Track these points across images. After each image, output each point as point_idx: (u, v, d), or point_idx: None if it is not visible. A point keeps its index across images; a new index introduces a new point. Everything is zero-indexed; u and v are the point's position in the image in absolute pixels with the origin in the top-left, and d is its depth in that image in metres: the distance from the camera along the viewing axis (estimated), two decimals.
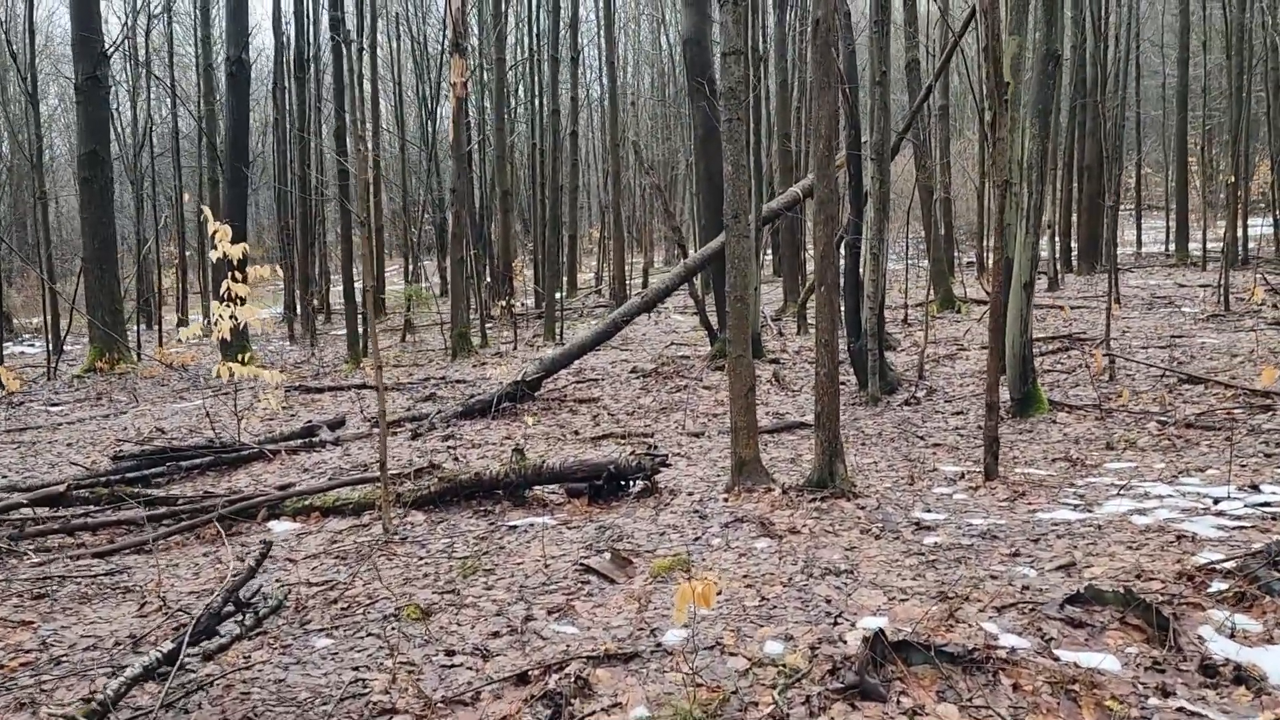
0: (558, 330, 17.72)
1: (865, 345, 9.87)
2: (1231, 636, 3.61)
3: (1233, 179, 17.19)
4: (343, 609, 4.73)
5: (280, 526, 6.62)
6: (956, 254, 25.27)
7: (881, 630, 3.65)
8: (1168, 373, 9.53)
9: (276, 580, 5.36)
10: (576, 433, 9.05)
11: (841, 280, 10.27)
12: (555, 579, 4.93)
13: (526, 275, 28.50)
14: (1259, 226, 25.89)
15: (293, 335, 22.03)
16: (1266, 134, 23.62)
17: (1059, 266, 21.38)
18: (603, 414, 10.14)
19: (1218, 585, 3.99)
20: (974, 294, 18.37)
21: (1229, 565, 4.10)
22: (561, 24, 24.61)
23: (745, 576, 4.71)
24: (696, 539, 5.37)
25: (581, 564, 5.06)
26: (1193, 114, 26.76)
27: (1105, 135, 18.04)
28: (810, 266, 11.75)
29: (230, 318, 9.48)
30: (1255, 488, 5.50)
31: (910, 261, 22.86)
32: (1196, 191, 28.77)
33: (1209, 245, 23.31)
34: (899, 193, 24.62)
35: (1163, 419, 7.83)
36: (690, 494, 6.27)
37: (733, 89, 5.64)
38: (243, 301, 9.51)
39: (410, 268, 27.03)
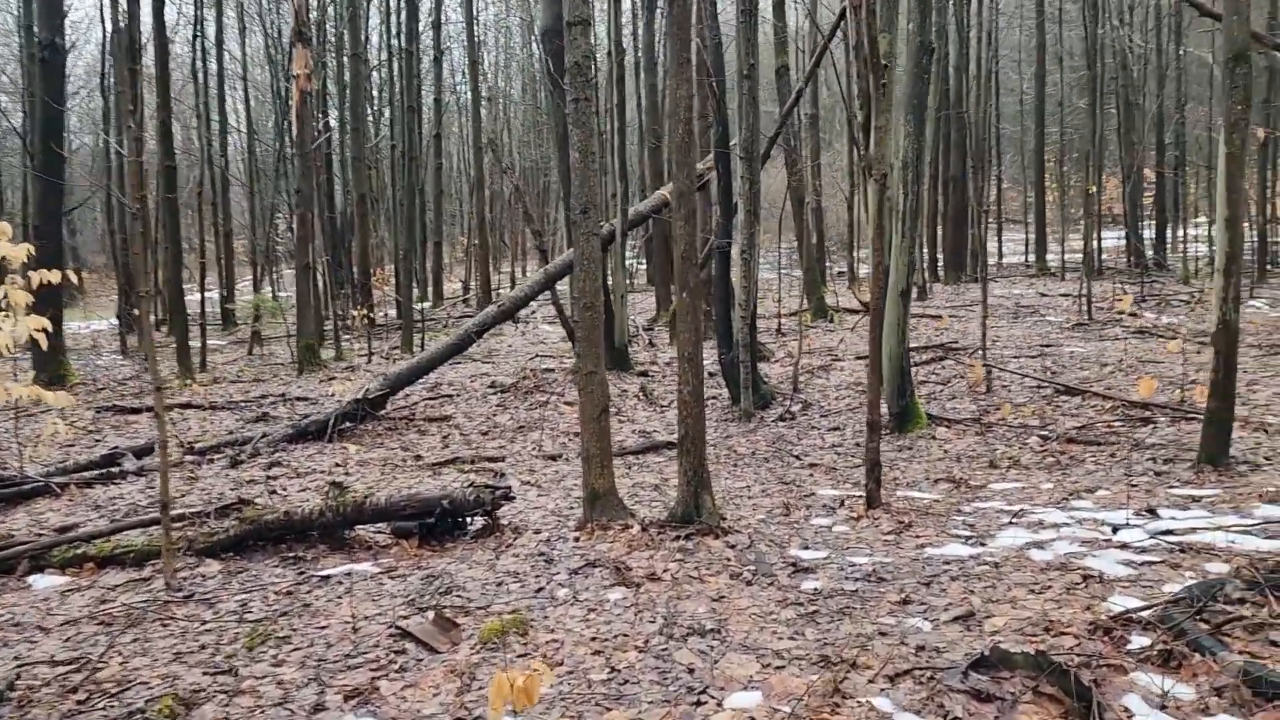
0: (417, 341, 16.60)
1: (737, 357, 9.23)
2: (1163, 708, 3.02)
3: (1093, 189, 17.51)
4: (80, 701, 3.71)
5: (44, 581, 5.46)
6: (828, 263, 25.27)
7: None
8: (1044, 383, 9.23)
9: (14, 658, 4.28)
10: (419, 457, 8.09)
11: (710, 288, 9.63)
12: (363, 648, 4.03)
13: (393, 285, 27.03)
14: (1110, 239, 26.86)
15: (125, 349, 20.16)
16: (1116, 149, 24.42)
17: (926, 276, 21.48)
18: (454, 434, 9.20)
19: (1139, 640, 3.41)
20: (846, 303, 18.14)
21: (1148, 615, 3.54)
22: (424, 21, 23.45)
23: (594, 639, 3.91)
24: (540, 590, 4.54)
25: (397, 628, 4.17)
26: (1048, 130, 27.55)
27: (970, 146, 18.15)
28: None
29: (11, 330, 8.19)
30: (1153, 512, 5.04)
31: (784, 270, 22.62)
32: (1053, 205, 29.74)
33: (1066, 256, 23.95)
34: (771, 201, 24.43)
35: (1044, 433, 7.43)
36: (537, 532, 5.43)
37: (579, 64, 4.84)
38: (28, 311, 8.21)
39: (258, 275, 25.27)
